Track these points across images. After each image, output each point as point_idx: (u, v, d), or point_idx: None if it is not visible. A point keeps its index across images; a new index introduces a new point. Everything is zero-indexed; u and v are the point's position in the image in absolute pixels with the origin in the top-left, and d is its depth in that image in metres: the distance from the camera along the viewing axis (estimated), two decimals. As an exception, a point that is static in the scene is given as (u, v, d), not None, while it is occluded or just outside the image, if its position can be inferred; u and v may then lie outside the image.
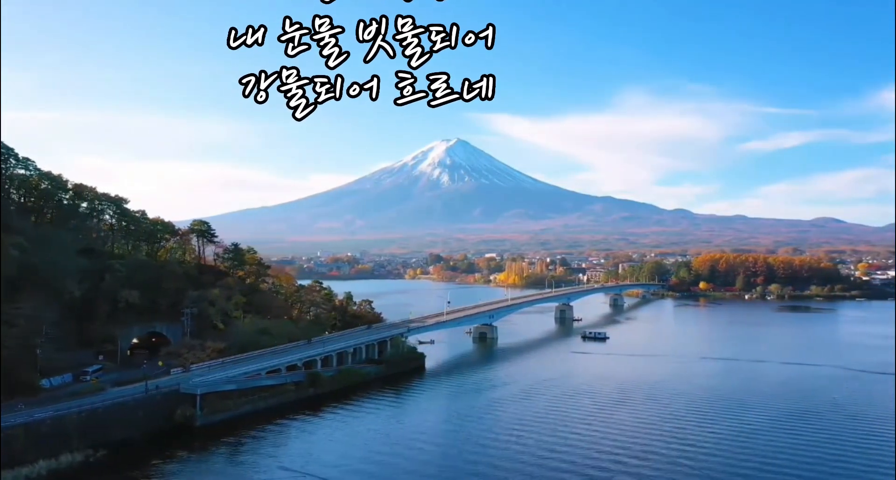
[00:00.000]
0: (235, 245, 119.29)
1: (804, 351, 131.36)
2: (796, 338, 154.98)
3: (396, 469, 59.28)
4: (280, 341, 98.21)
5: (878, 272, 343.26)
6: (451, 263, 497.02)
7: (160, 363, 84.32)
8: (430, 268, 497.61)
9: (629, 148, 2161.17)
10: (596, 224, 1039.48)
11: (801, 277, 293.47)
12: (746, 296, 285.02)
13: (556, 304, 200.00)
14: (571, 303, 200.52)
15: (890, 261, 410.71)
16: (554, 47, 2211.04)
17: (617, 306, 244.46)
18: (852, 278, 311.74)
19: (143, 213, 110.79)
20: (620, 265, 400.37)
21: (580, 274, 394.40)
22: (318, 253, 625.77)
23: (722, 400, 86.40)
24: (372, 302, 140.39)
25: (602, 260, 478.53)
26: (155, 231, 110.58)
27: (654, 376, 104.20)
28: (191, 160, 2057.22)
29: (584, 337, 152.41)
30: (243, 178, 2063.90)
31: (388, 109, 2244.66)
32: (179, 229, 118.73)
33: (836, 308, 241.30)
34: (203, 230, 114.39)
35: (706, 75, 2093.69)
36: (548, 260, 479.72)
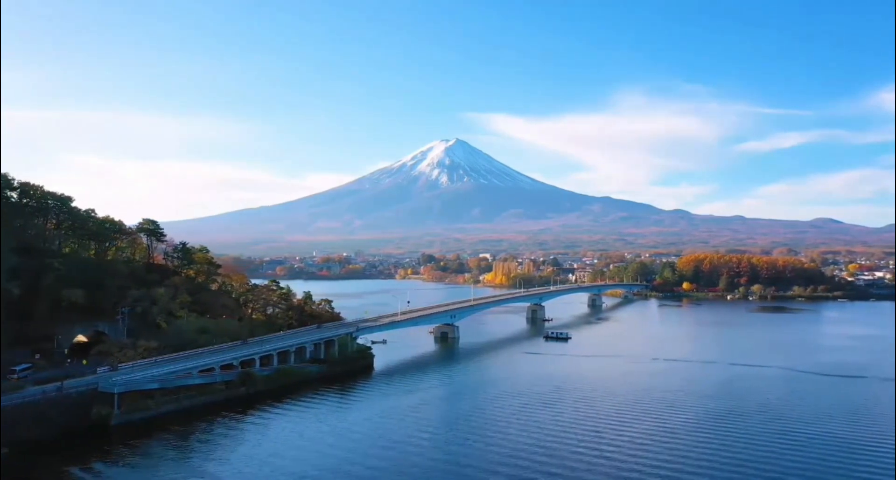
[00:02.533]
0: (183, 244, 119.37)
1: (759, 352, 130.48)
2: (758, 339, 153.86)
3: (294, 469, 59.15)
4: (220, 340, 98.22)
5: (866, 273, 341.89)
6: (442, 263, 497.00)
7: (84, 361, 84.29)
8: (421, 268, 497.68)
9: (627, 148, 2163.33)
10: (594, 224, 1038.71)
11: (784, 278, 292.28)
12: (729, 297, 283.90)
13: (527, 304, 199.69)
14: (544, 303, 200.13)
15: (882, 262, 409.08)
16: (550, 48, 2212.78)
17: (595, 306, 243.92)
18: (837, 279, 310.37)
19: (91, 212, 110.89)
20: (611, 265, 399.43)
21: (569, 275, 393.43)
22: (314, 253, 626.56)
23: (652, 401, 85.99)
24: (331, 301, 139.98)
25: (595, 261, 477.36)
26: (102, 230, 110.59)
27: (596, 377, 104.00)
28: (189, 160, 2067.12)
29: (547, 338, 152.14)
30: (242, 178, 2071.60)
31: (386, 109, 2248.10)
32: (131, 228, 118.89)
33: (814, 308, 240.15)
34: (152, 229, 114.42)
35: (702, 76, 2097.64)
36: (541, 259, 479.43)
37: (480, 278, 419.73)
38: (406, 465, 59.85)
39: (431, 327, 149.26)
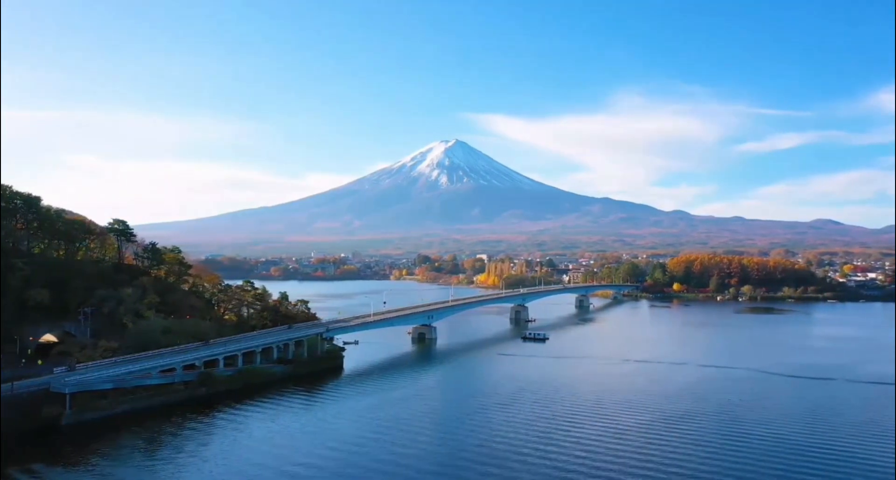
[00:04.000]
0: (153, 244, 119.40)
1: (733, 353, 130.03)
2: (736, 340, 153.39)
3: (235, 469, 59.01)
4: (184, 340, 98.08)
5: (859, 274, 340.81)
6: (437, 264, 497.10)
7: (39, 362, 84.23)
8: (416, 269, 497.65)
9: (625, 148, 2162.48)
10: (594, 225, 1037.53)
11: (775, 279, 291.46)
12: (719, 298, 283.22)
13: (511, 305, 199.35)
14: (528, 304, 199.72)
15: (878, 263, 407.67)
16: (549, 48, 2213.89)
17: (582, 307, 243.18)
18: (829, 280, 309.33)
19: (60, 212, 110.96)
20: (606, 266, 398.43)
21: (563, 276, 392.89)
22: (312, 254, 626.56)
23: (611, 402, 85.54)
24: (308, 302, 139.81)
25: (591, 262, 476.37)
26: (70, 230, 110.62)
27: (563, 378, 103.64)
28: (189, 160, 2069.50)
29: (525, 338, 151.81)
30: (242, 178, 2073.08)
31: (386, 110, 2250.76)
32: (103, 229, 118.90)
33: (802, 309, 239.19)
34: (121, 229, 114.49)
35: (701, 76, 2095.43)
36: (538, 260, 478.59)
37: (474, 279, 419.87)
38: (347, 465, 59.70)
39: (410, 328, 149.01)
